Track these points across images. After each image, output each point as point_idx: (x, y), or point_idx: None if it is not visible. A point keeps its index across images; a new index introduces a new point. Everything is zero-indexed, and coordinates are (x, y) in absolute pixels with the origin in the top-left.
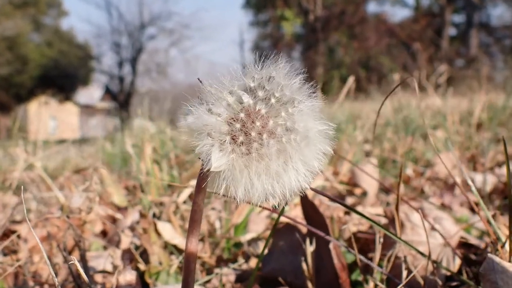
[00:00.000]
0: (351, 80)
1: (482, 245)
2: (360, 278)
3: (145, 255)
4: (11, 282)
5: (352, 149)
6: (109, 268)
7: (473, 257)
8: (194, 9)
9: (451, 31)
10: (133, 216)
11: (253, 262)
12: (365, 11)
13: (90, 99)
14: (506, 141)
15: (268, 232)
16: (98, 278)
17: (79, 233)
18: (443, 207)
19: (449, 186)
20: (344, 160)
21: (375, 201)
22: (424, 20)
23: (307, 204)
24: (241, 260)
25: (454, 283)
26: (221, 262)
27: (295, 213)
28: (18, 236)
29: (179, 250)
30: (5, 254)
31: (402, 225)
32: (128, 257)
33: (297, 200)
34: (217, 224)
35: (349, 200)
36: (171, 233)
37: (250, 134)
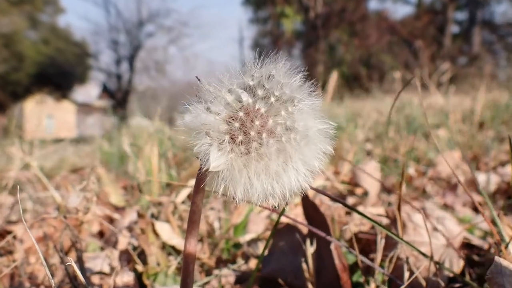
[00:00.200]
0: (335, 76)
1: (486, 246)
2: (362, 279)
3: (143, 256)
4: (7, 283)
5: (353, 148)
6: (106, 269)
7: (476, 258)
8: (192, 6)
9: (454, 28)
10: (131, 216)
11: (252, 263)
12: (366, 8)
13: (87, 97)
14: (511, 140)
15: (267, 233)
16: (95, 279)
17: (76, 233)
18: (446, 207)
19: (452, 186)
20: (345, 159)
21: (377, 201)
22: (426, 17)
23: (307, 204)
24: (240, 261)
25: (457, 285)
26: (220, 263)
27: (296, 213)
28: (14, 237)
29: (177, 251)
30: (0, 255)
31: (404, 226)
32: (126, 258)
33: (297, 200)
34: (216, 225)
35: (350, 200)
36: (169, 233)
37: (249, 133)
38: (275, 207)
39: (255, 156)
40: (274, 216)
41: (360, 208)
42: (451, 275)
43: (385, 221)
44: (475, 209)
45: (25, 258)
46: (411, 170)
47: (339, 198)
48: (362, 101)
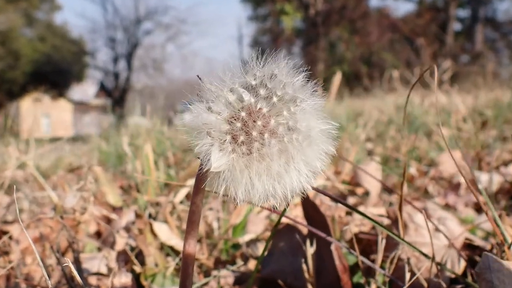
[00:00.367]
0: (339, 76)
1: (488, 247)
2: (362, 280)
3: (140, 257)
4: (3, 284)
5: (354, 148)
6: (103, 270)
7: (478, 259)
8: (191, 3)
9: (456, 26)
10: (128, 216)
11: (252, 264)
12: (367, 5)
13: (84, 95)
14: None
15: (267, 233)
16: (93, 280)
17: (73, 234)
18: (448, 207)
19: (454, 186)
20: (346, 159)
21: (378, 201)
22: (428, 15)
23: (308, 204)
24: (239, 261)
25: (459, 286)
26: (219, 264)
27: (296, 213)
28: (10, 237)
29: (175, 252)
30: None
31: (405, 226)
32: (123, 258)
33: (297, 200)
34: (215, 225)
35: (351, 200)
36: (167, 234)
37: (251, 133)
38: (275, 207)
39: (257, 157)
40: (274, 217)
41: (361, 208)
42: (453, 276)
43: (386, 221)
44: (478, 210)
45: (22, 259)
46: (413, 170)
47: (339, 198)
48: (363, 99)
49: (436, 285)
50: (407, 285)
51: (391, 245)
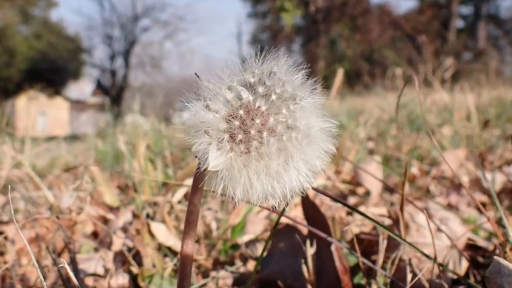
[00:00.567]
0: (340, 74)
1: (490, 247)
2: (363, 281)
3: (138, 257)
4: None
5: (354, 147)
6: (100, 271)
7: (480, 259)
8: (189, 0)
9: (458, 23)
10: (125, 216)
11: (251, 265)
12: (368, 2)
13: (80, 94)
14: None
15: (266, 234)
16: (89, 281)
17: (69, 234)
18: (450, 207)
19: (456, 186)
20: (346, 158)
21: (379, 201)
22: (430, 12)
23: (308, 204)
24: (238, 262)
25: (461, 287)
26: (217, 264)
27: (295, 213)
28: (5, 238)
29: (173, 252)
30: None
31: (406, 226)
32: (120, 259)
33: (297, 200)
34: (214, 225)
35: (352, 200)
36: (165, 234)
37: (249, 132)
38: (274, 207)
39: (255, 155)
40: (273, 217)
41: (362, 208)
42: (455, 277)
43: (387, 221)
44: (480, 209)
45: (17, 259)
46: (414, 169)
47: (340, 198)
48: (364, 97)
49: (438, 286)
50: (408, 286)
51: (392, 246)
